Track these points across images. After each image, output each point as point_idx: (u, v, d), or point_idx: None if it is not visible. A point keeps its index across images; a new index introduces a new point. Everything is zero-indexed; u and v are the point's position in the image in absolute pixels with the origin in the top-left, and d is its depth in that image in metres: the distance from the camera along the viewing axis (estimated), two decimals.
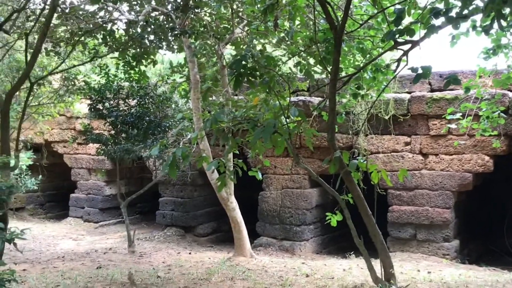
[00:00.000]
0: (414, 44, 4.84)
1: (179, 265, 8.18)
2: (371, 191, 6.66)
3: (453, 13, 4.14)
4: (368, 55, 5.81)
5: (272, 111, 5.39)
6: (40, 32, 4.08)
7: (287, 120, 5.06)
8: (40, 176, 14.55)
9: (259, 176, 6.23)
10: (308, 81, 8.15)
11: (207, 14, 8.69)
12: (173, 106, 10.58)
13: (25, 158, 13.70)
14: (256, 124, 5.21)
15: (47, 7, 5.85)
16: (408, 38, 4.73)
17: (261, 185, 11.15)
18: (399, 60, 5.19)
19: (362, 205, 5.28)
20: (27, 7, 4.92)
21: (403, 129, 9.75)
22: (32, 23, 5.00)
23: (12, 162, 4.89)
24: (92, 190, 14.19)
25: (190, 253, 9.94)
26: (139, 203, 14.87)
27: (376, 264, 5.78)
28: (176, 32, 7.41)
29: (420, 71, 4.52)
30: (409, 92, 9.86)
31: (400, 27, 4.49)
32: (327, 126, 5.23)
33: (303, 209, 10.73)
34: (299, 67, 6.94)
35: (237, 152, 6.84)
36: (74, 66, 7.75)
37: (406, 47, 5.01)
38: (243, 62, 5.04)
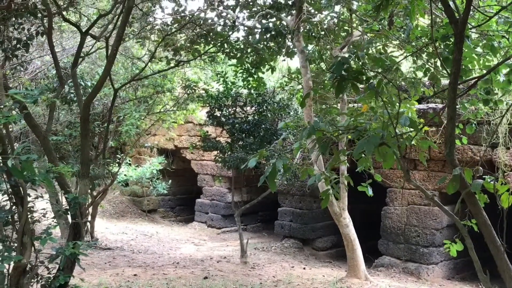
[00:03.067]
0: None
1: (289, 281, 7.76)
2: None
3: None
4: (502, 54, 4.84)
5: (380, 120, 4.71)
6: (116, 36, 3.98)
7: (396, 130, 4.35)
8: (170, 181, 15.25)
9: (369, 192, 5.59)
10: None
11: (322, 16, 8.20)
12: (291, 113, 10.24)
13: (156, 163, 14.40)
14: (362, 134, 4.60)
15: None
16: None
17: (384, 198, 10.28)
18: None
19: (489, 233, 4.34)
20: (112, 12, 4.90)
21: None
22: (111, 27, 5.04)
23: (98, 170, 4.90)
24: (216, 196, 14.41)
25: (304, 268, 9.45)
26: (260, 211, 14.78)
27: None
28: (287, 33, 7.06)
29: None
30: None
31: None
32: (446, 138, 4.41)
33: (432, 229, 9.63)
34: (423, 70, 6.12)
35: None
36: (158, 72, 7.74)
37: None
38: (345, 65, 4.46)
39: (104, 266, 8.11)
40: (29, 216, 3.79)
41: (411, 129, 4.79)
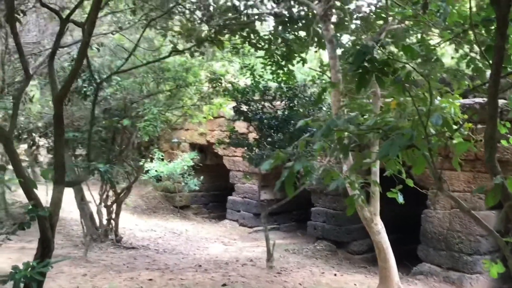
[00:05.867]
0: None
1: None
2: None
3: None
4: None
5: (409, 118, 4.07)
6: (88, 22, 3.48)
7: (426, 130, 3.69)
8: (202, 177, 14.87)
9: (400, 199, 4.98)
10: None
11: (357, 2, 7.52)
12: (324, 108, 9.57)
13: (187, 159, 14.05)
14: (388, 134, 3.96)
15: None
16: None
17: (421, 199, 9.48)
18: None
19: None
20: None
21: None
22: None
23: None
24: (248, 193, 13.92)
25: (335, 275, 8.82)
26: (294, 210, 14.18)
27: None
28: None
29: None
30: None
31: None
32: (485, 140, 3.70)
33: (477, 235, 8.79)
34: (465, 61, 5.41)
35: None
36: (152, 62, 7.22)
37: None
38: (368, 55, 3.82)
39: (122, 268, 7.75)
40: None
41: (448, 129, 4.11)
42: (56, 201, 3.72)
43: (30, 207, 3.46)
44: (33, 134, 9.82)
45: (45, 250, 3.54)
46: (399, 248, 8.20)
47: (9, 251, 7.86)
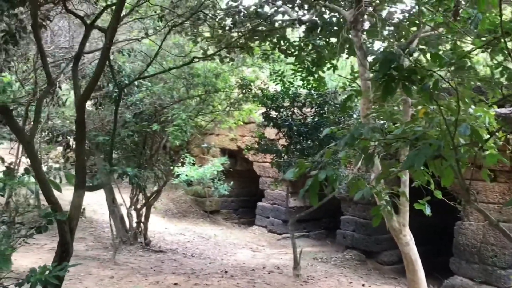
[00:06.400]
0: None
1: None
2: None
3: None
4: None
5: (438, 127, 3.96)
6: (109, 28, 3.52)
7: (453, 140, 3.58)
8: (232, 182, 14.90)
9: (427, 211, 4.87)
10: None
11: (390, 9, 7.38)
12: (354, 116, 9.44)
13: (218, 164, 14.10)
14: (414, 144, 3.87)
15: None
16: None
17: (457, 211, 9.22)
18: None
19: None
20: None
21: None
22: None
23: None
24: (277, 200, 13.86)
25: (363, 285, 8.68)
26: (324, 218, 14.03)
27: None
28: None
29: None
30: None
31: None
32: None
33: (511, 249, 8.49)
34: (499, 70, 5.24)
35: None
36: (170, 69, 7.23)
37: None
38: (394, 62, 3.75)
39: (148, 271, 7.81)
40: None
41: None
42: (76, 205, 3.77)
43: (42, 211, 3.51)
44: (67, 137, 10.04)
45: (63, 253, 3.58)
46: (429, 260, 7.99)
47: (40, 251, 8.05)
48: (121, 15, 3.96)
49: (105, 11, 4.25)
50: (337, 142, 6.44)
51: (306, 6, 8.06)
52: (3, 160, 3.77)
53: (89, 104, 9.40)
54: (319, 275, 9.07)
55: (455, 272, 9.27)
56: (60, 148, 11.42)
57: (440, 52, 5.27)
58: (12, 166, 3.43)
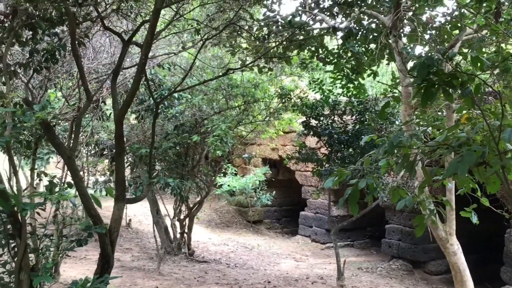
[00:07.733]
0: None
1: None
2: None
3: None
4: None
5: (481, 133, 3.83)
6: (144, 43, 3.58)
7: (498, 146, 3.45)
8: (274, 192, 14.88)
9: (474, 219, 4.70)
10: None
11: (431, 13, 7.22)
12: (396, 122, 9.27)
13: (260, 174, 14.12)
14: (457, 150, 3.76)
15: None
16: None
17: (507, 219, 8.86)
18: None
19: None
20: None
21: None
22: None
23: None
24: (320, 209, 13.73)
25: None
26: (368, 227, 13.79)
27: None
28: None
29: None
30: None
31: None
32: None
33: None
34: None
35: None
36: (205, 81, 7.25)
37: None
38: (432, 67, 3.66)
39: (192, 282, 7.88)
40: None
41: None
42: (116, 218, 3.85)
43: (83, 224, 3.60)
44: (112, 150, 10.31)
45: (104, 265, 3.66)
46: (478, 269, 7.71)
47: (88, 262, 8.26)
48: (157, 30, 4.05)
49: (142, 26, 4.37)
50: (376, 150, 6.34)
51: (343, 13, 8.01)
52: (45, 175, 3.92)
53: (133, 118, 9.64)
54: (364, 285, 8.90)
55: (506, 282, 8.89)
56: (107, 161, 11.77)
57: (484, 55, 5.14)
58: (54, 181, 3.55)
